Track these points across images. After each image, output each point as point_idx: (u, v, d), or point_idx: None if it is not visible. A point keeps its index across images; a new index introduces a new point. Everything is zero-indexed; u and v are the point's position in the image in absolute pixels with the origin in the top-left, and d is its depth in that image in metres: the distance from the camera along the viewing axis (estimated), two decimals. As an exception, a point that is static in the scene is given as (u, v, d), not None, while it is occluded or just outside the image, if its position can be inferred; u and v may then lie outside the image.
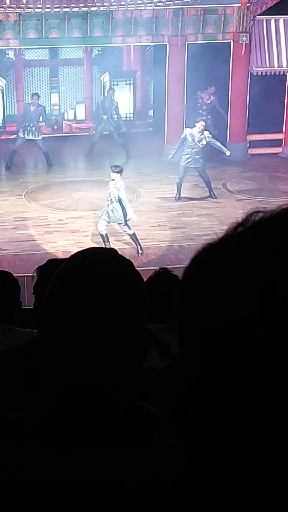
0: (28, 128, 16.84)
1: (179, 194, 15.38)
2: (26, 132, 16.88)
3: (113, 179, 12.59)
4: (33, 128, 16.86)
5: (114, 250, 1.50)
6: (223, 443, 0.79)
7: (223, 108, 18.12)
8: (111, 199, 12.62)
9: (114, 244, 12.65)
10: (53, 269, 3.54)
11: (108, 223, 12.81)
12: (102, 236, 12.85)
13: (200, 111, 17.61)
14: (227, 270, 0.79)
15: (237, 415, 0.77)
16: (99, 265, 1.43)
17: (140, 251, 12.72)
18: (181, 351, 0.84)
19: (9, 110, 20.76)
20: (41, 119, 17.25)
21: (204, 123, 14.95)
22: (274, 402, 0.75)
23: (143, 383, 1.50)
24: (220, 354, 0.77)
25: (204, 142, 14.80)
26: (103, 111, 17.55)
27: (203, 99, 17.93)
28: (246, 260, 0.79)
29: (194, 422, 0.82)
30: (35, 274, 3.94)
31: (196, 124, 14.95)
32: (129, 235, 12.88)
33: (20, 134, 16.98)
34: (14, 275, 4.79)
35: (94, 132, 18.23)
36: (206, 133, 14.87)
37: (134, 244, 12.84)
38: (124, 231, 12.87)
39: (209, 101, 17.96)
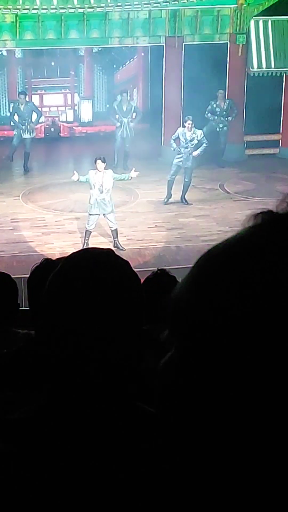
0: (23, 127, 17.15)
1: (170, 196, 15.33)
2: (22, 131, 17.19)
3: (99, 171, 12.66)
4: (28, 127, 17.16)
5: (111, 250, 1.50)
6: (222, 441, 0.79)
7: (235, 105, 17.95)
8: (102, 191, 12.68)
9: (110, 245, 12.66)
10: (48, 269, 3.54)
11: (98, 215, 12.93)
12: (88, 233, 12.91)
13: (222, 118, 17.60)
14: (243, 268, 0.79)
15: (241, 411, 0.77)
16: (96, 265, 1.43)
17: (120, 247, 12.78)
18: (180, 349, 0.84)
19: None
20: (34, 116, 17.39)
21: (191, 122, 14.91)
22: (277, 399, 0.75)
23: (140, 384, 1.50)
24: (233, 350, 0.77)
25: (195, 141, 14.82)
26: (122, 115, 17.19)
27: (220, 106, 17.67)
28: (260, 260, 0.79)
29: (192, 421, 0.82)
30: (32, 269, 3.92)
31: (185, 123, 15.00)
32: (111, 229, 12.99)
33: (15, 132, 17.41)
34: (12, 276, 4.78)
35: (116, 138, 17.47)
36: (199, 132, 14.92)
37: (112, 239, 12.99)
38: (110, 225, 12.94)
39: (225, 106, 17.72)
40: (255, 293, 0.76)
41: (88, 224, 12.93)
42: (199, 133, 14.93)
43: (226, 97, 17.79)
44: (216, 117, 17.53)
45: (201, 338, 0.80)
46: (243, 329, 0.76)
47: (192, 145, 14.88)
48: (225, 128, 17.60)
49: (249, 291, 0.77)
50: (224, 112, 17.55)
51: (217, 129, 17.50)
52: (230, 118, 17.59)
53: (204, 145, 14.93)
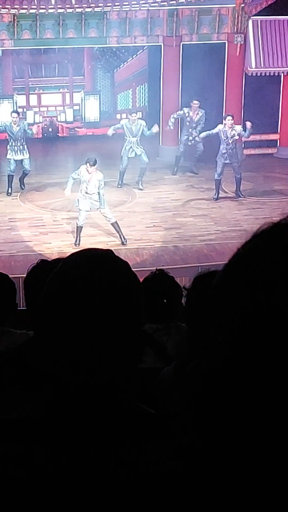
0: (16, 148, 15.60)
1: (218, 194, 15.57)
2: (14, 153, 15.60)
3: (90, 173, 12.73)
4: (21, 147, 15.61)
5: (111, 251, 1.50)
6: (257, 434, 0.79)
7: (211, 120, 16.62)
8: (87, 189, 12.82)
9: (108, 245, 12.66)
10: (45, 269, 3.52)
11: (88, 211, 13.07)
12: (79, 228, 13.02)
13: (190, 130, 16.59)
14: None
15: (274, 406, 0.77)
16: (96, 266, 1.42)
17: (124, 241, 13.10)
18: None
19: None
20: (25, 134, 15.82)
21: (231, 119, 15.12)
22: None
23: (139, 384, 1.50)
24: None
25: (236, 137, 15.10)
26: (131, 134, 15.78)
27: (192, 117, 16.64)
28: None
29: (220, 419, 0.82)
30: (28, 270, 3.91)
31: (225, 121, 15.24)
32: (111, 223, 13.11)
33: (9, 156, 15.67)
34: (9, 276, 4.78)
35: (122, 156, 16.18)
36: (238, 128, 15.12)
37: (117, 234, 13.17)
38: (108, 220, 13.07)
39: (196, 118, 16.58)
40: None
41: (78, 220, 13.05)
42: (238, 128, 15.13)
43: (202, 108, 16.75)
44: (189, 129, 16.66)
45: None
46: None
47: (232, 141, 15.08)
48: (196, 139, 16.49)
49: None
50: (194, 124, 16.53)
51: (189, 143, 16.65)
52: (201, 136, 16.23)
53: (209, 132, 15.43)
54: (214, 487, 0.84)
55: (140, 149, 15.75)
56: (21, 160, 15.66)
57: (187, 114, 16.57)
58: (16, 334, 4.10)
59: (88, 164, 12.74)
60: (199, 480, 0.86)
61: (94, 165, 12.73)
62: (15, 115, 15.82)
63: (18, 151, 15.61)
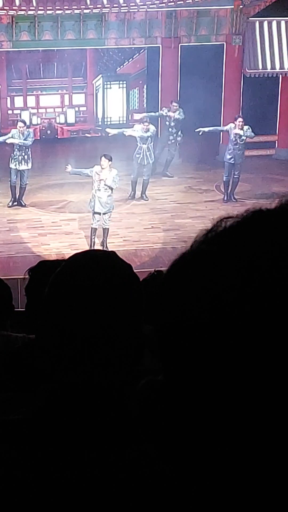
0: (20, 157, 15.07)
1: (228, 195, 15.69)
2: (17, 163, 15.07)
3: (103, 167, 12.71)
4: (25, 157, 15.11)
5: (114, 252, 1.50)
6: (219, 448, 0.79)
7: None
8: (100, 188, 12.76)
9: (110, 246, 12.68)
10: (45, 271, 3.52)
11: (99, 214, 12.97)
12: (93, 229, 12.99)
13: (170, 129, 16.68)
14: (196, 278, 0.80)
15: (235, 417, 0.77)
16: (99, 267, 1.43)
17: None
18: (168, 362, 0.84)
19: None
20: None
21: (242, 120, 15.28)
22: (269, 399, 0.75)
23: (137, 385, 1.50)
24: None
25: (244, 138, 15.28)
26: (141, 141, 15.39)
27: (170, 118, 16.62)
28: (212, 268, 0.79)
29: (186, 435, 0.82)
30: (26, 275, 3.93)
31: (235, 122, 15.35)
32: (103, 227, 13.02)
33: (12, 166, 15.12)
34: (8, 277, 4.78)
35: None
36: (246, 128, 15.23)
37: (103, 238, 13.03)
38: (102, 223, 12.98)
39: (173, 118, 16.57)
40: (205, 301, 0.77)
41: (92, 221, 13.06)
42: (246, 129, 15.23)
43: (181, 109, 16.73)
44: (168, 129, 16.71)
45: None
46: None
47: (242, 142, 15.27)
48: (173, 141, 16.60)
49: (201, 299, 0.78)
50: (173, 123, 16.55)
51: (168, 142, 16.72)
52: (179, 139, 16.62)
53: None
54: (214, 489, 0.84)
55: (149, 159, 15.52)
56: (20, 173, 15.09)
57: (165, 114, 16.66)
58: (13, 337, 4.10)
59: (103, 157, 12.70)
60: (198, 482, 0.86)
61: (110, 160, 12.70)
62: (21, 124, 15.16)
63: (23, 160, 15.06)
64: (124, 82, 20.71)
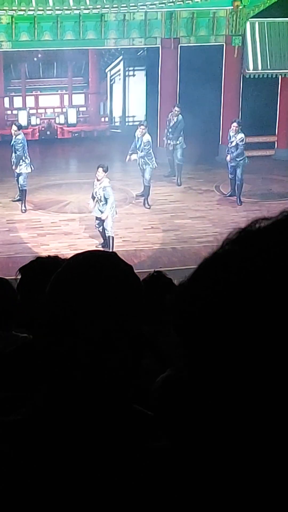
0: (13, 160, 14.97)
1: (233, 192, 15.84)
2: (13, 165, 15.02)
3: (98, 179, 12.74)
4: (16, 160, 14.91)
5: (115, 253, 1.50)
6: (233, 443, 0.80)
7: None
8: (94, 198, 12.85)
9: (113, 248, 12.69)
10: (37, 268, 3.52)
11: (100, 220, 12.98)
12: (111, 238, 12.93)
13: (168, 134, 16.79)
14: (227, 276, 0.81)
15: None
16: (99, 268, 1.43)
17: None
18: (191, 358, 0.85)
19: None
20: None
21: (236, 125, 15.45)
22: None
23: (138, 386, 1.50)
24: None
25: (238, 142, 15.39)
26: (136, 147, 15.33)
27: (170, 121, 16.79)
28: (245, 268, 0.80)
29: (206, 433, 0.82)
30: (18, 275, 3.92)
31: (232, 125, 15.58)
32: (106, 235, 13.02)
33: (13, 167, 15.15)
34: (7, 277, 4.77)
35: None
36: (239, 136, 15.34)
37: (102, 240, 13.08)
38: (105, 231, 12.98)
39: (172, 122, 16.70)
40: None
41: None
42: (239, 137, 15.34)
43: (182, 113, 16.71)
44: (167, 133, 16.84)
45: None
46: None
47: (233, 146, 15.42)
48: (174, 145, 16.64)
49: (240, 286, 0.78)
50: (170, 129, 16.64)
51: (170, 147, 16.79)
52: (178, 144, 16.65)
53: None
54: (214, 488, 0.84)
55: (143, 167, 15.26)
56: (17, 173, 14.96)
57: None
58: (16, 336, 4.10)
59: (100, 168, 12.74)
60: (199, 481, 0.86)
61: (106, 171, 12.72)
62: (14, 127, 15.02)
63: (15, 163, 14.92)
64: (144, 69, 19.96)
